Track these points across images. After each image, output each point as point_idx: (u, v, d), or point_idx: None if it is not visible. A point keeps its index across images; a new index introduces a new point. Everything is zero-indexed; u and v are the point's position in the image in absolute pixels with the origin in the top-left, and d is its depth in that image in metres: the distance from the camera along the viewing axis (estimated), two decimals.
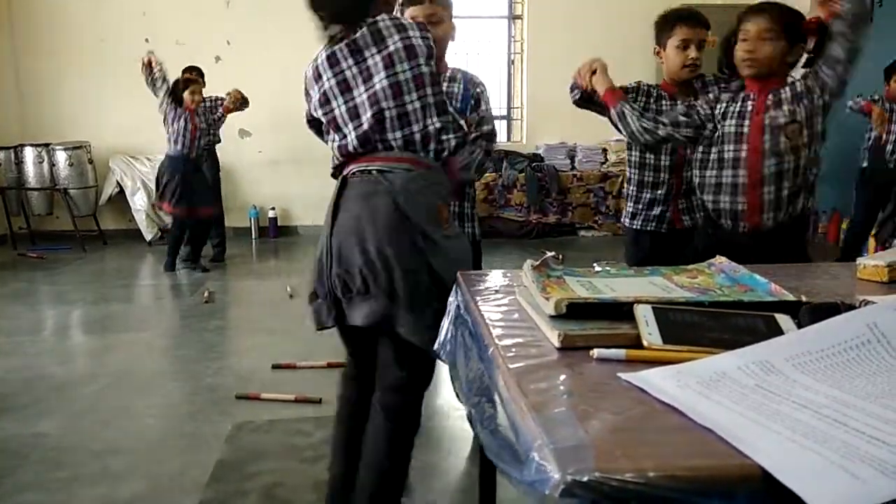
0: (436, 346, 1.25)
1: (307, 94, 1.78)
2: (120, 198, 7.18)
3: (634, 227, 2.63)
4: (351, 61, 1.65)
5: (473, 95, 2.26)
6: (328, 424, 2.67)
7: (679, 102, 2.48)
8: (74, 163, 6.85)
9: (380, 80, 1.62)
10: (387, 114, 1.62)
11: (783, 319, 0.87)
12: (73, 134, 7.11)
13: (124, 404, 2.96)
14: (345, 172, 1.70)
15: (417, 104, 1.63)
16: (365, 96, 1.64)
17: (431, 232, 1.60)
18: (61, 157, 6.82)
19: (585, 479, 0.54)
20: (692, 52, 2.39)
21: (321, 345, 3.20)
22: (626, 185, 2.71)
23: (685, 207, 2.59)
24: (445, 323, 1.22)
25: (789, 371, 0.72)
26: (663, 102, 2.53)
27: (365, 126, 1.64)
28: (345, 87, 1.67)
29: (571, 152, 7.49)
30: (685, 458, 0.58)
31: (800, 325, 0.85)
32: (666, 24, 2.45)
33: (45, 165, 6.83)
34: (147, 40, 7.14)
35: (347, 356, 1.92)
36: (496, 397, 0.84)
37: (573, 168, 7.43)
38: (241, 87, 5.85)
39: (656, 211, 2.57)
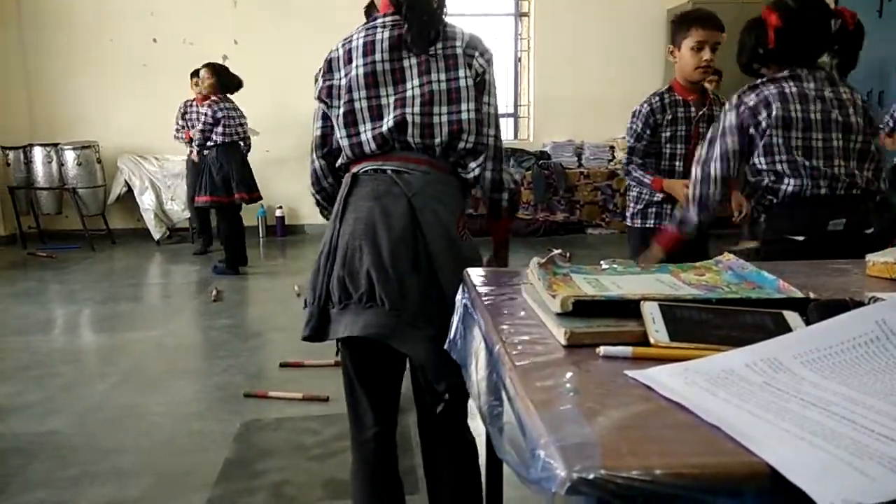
0: (446, 346, 1.23)
1: (329, 72, 1.61)
2: (128, 197, 7.21)
3: (647, 225, 2.60)
4: (387, 56, 1.54)
5: None
6: (335, 422, 2.69)
7: (692, 106, 2.50)
8: (83, 162, 6.88)
9: (412, 87, 1.54)
10: (409, 119, 1.53)
11: (791, 316, 0.87)
12: (82, 134, 7.14)
13: (133, 403, 2.97)
14: (355, 170, 1.59)
15: (445, 118, 1.54)
16: (392, 99, 1.54)
17: (446, 241, 1.50)
18: (70, 156, 6.86)
19: (592, 476, 0.54)
20: (706, 55, 2.41)
21: (328, 343, 3.18)
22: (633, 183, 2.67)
23: None
24: (455, 320, 1.22)
25: (797, 368, 0.72)
26: (679, 110, 2.52)
27: (383, 128, 1.55)
28: (371, 81, 1.55)
29: (579, 150, 7.48)
30: (692, 456, 0.58)
31: (808, 323, 0.84)
32: (682, 24, 2.46)
33: (54, 165, 6.86)
34: (155, 40, 7.18)
35: (359, 391, 1.69)
36: (503, 395, 0.84)
37: (580, 165, 7.42)
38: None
39: (670, 207, 2.56)
